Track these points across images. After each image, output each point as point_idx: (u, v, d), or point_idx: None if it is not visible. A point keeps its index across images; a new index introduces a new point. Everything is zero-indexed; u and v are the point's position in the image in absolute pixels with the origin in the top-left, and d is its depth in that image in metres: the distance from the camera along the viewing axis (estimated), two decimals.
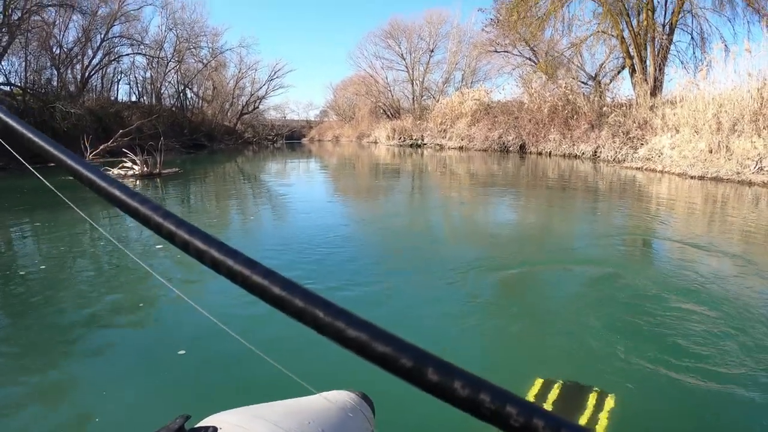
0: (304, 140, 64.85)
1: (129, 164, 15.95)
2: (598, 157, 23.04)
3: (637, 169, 18.77)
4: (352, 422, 1.16)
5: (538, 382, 3.18)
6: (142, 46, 38.81)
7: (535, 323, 4.58)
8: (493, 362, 3.89)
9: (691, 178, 15.89)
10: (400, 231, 8.66)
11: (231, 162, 25.68)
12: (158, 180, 15.47)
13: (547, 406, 2.84)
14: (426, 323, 4.54)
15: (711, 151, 16.94)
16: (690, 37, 26.88)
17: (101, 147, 22.07)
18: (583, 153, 24.09)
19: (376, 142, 46.84)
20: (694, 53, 26.91)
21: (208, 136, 39.32)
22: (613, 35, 27.21)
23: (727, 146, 16.48)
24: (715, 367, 3.54)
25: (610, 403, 2.97)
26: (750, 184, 14.33)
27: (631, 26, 25.98)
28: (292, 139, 62.75)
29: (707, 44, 25.92)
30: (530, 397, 2.97)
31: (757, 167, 14.91)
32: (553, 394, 3.03)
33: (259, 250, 6.74)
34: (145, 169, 15.73)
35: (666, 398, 3.21)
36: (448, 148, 34.80)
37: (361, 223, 9.55)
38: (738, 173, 15.11)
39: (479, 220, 10.23)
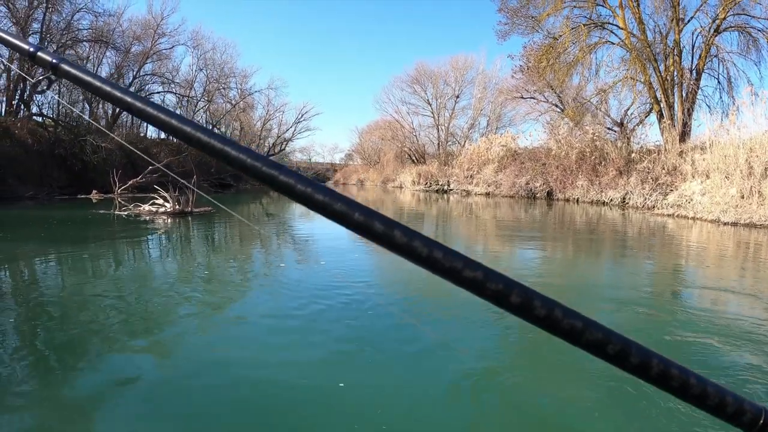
0: (329, 183, 65.23)
1: (160, 201, 15.95)
2: (627, 203, 22.84)
3: (668, 215, 18.54)
4: None
5: None
6: (173, 85, 39.83)
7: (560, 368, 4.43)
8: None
9: (724, 224, 15.66)
10: (425, 284, 8.33)
11: (257, 203, 25.91)
12: (189, 218, 15.43)
13: None
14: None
15: (743, 197, 16.70)
16: (717, 81, 26.87)
17: (130, 182, 22.39)
18: (611, 200, 23.90)
19: (401, 187, 46.99)
20: (721, 98, 26.85)
21: (235, 176, 39.72)
22: (640, 81, 27.23)
23: (759, 191, 16.23)
24: None
25: None
26: None
27: (659, 71, 26.00)
28: (317, 181, 63.39)
29: (734, 88, 25.94)
30: None
31: None
32: None
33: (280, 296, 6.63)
34: (177, 207, 15.66)
35: None
36: (475, 194, 34.73)
37: (380, 275, 9.16)
38: None
39: (507, 268, 10.02)
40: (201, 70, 42.18)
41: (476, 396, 3.88)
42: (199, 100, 42.23)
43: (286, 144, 54.16)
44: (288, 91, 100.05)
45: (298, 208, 22.97)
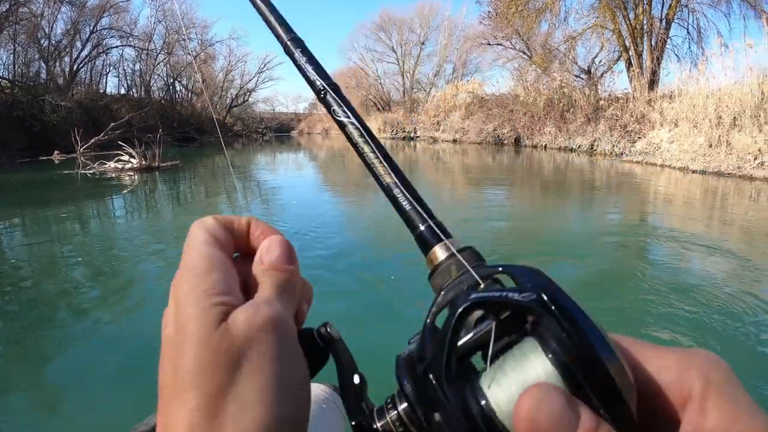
0: (293, 133, 64.39)
1: (126, 157, 15.41)
2: (595, 150, 22.89)
3: (637, 162, 18.60)
4: (327, 414, 1.19)
5: None
6: (131, 38, 38.41)
7: None
8: None
9: (693, 172, 15.76)
10: (389, 230, 8.27)
11: (221, 155, 25.30)
12: (157, 173, 14.95)
13: None
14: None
15: (711, 146, 16.81)
16: (686, 31, 27.02)
17: (92, 140, 21.63)
18: (579, 146, 23.92)
19: None
20: (690, 48, 27.07)
21: (198, 129, 38.82)
22: (609, 28, 27.10)
23: (727, 141, 16.35)
24: None
25: None
26: (752, 178, 14.22)
27: (628, 20, 25.82)
28: (281, 132, 62.31)
29: (704, 39, 26.14)
30: None
31: (758, 162, 14.80)
32: None
33: None
34: (144, 162, 15.18)
35: None
36: (442, 141, 34.56)
37: (350, 220, 9.22)
38: (739, 168, 14.99)
39: (474, 215, 9.91)
40: (160, 21, 40.65)
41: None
42: (159, 53, 40.82)
43: (249, 95, 53.02)
44: (250, 40, 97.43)
45: (262, 159, 22.66)
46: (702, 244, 7.21)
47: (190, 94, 45.61)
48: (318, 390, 1.25)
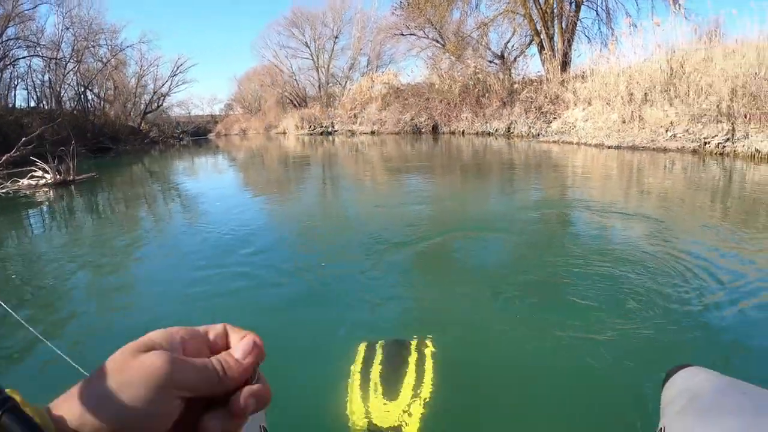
0: (211, 135, 62.33)
1: (39, 173, 14.12)
2: (512, 133, 22.93)
3: (553, 142, 18.64)
4: None
5: (362, 346, 3.13)
6: (39, 48, 36.15)
7: (428, 287, 4.66)
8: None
9: (608, 147, 15.89)
10: (315, 219, 8.07)
11: (139, 164, 23.99)
12: (73, 187, 13.72)
13: (376, 366, 2.84)
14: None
15: (624, 122, 16.97)
16: (595, 13, 27.33)
17: (4, 158, 20.00)
18: (496, 130, 23.92)
19: (284, 133, 45.51)
20: (600, 29, 27.66)
21: (113, 138, 36.68)
22: (520, 14, 27.28)
23: (640, 116, 16.52)
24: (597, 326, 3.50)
25: (430, 347, 3.12)
26: (665, 150, 14.41)
27: (539, 4, 26.02)
28: (198, 135, 60.19)
29: (613, 20, 26.56)
30: (358, 361, 2.95)
31: (670, 134, 14.95)
32: (378, 353, 3.01)
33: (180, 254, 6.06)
34: (58, 176, 13.92)
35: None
36: (360, 133, 34.05)
37: (275, 216, 8.77)
38: (653, 141, 15.15)
39: (395, 202, 9.51)
40: (68, 28, 38.29)
41: None
42: (68, 62, 38.56)
43: (163, 99, 50.77)
44: (161, 43, 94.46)
45: (181, 165, 21.69)
46: (620, 211, 7.31)
47: (102, 103, 43.39)
48: None
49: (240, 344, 0.55)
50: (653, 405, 1.36)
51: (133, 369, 0.48)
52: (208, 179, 15.38)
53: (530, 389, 2.92)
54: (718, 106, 13.85)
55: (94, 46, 40.12)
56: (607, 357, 3.08)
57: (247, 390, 0.53)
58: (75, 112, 38.56)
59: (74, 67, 39.02)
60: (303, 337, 3.61)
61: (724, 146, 13.33)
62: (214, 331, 0.57)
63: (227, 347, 0.56)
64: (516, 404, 2.81)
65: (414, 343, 3.17)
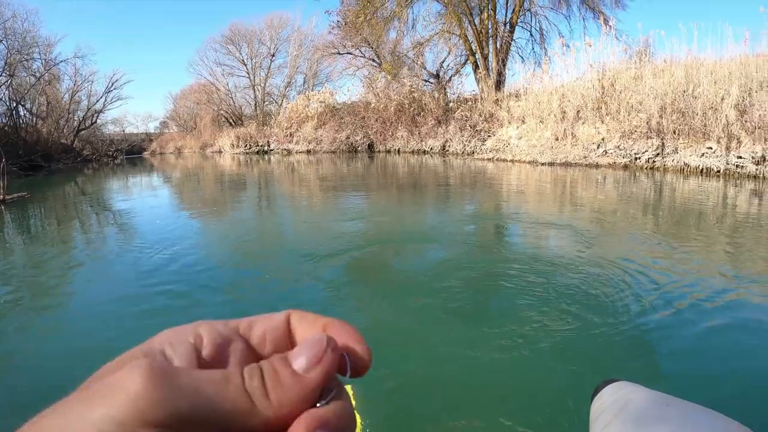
0: (145, 154, 60.76)
1: None
2: (447, 150, 23.02)
3: (488, 159, 18.70)
4: None
5: None
6: None
7: (359, 297, 4.66)
8: None
9: (542, 164, 15.94)
10: (249, 241, 7.71)
11: (72, 183, 22.95)
12: (3, 207, 12.72)
13: None
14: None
15: (557, 139, 17.09)
16: (530, 33, 28.05)
17: None
18: (431, 148, 23.97)
19: (220, 152, 44.67)
20: (533, 49, 28.20)
21: (45, 156, 35.07)
22: (456, 34, 27.51)
23: (572, 133, 16.65)
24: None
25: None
26: (597, 166, 14.52)
27: (474, 24, 26.35)
28: (132, 153, 58.53)
29: (546, 40, 27.18)
30: None
31: (602, 150, 15.08)
32: None
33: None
34: None
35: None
36: (296, 152, 33.59)
37: (211, 238, 8.33)
38: (585, 157, 15.27)
39: (330, 218, 9.25)
40: (0, 41, 36.86)
41: None
42: (0, 75, 36.95)
43: (97, 116, 49.14)
44: (96, 58, 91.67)
45: (116, 184, 20.85)
46: (554, 223, 7.51)
47: (35, 119, 41.64)
48: None
49: (305, 343, 0.32)
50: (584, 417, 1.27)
51: (89, 398, 0.28)
52: (143, 199, 14.70)
53: (456, 398, 2.81)
54: (648, 122, 14.02)
55: (27, 60, 38.62)
56: (538, 368, 3.03)
57: (307, 418, 0.30)
58: (6, 128, 36.86)
59: (6, 81, 37.43)
60: None
61: (654, 161, 13.47)
62: (265, 323, 0.35)
63: (291, 347, 0.34)
64: (442, 414, 2.67)
65: None
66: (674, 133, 13.39)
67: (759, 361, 3.22)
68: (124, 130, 65.23)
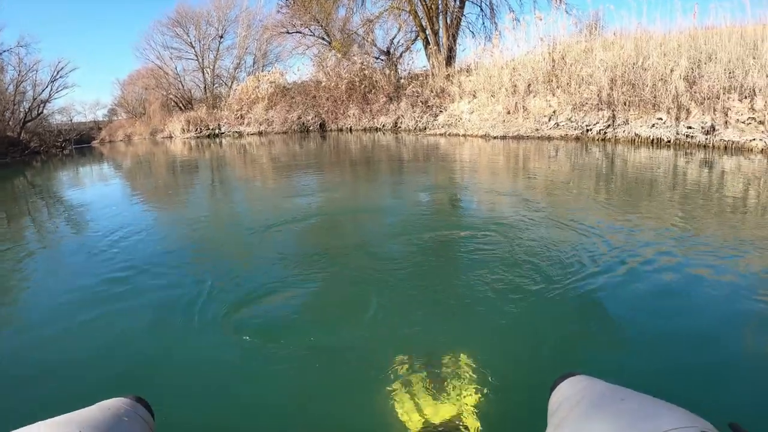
0: (95, 143, 59.10)
1: None
2: (399, 127, 22.89)
3: (440, 135, 18.59)
4: (127, 427, 1.16)
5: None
6: None
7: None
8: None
9: (494, 138, 15.86)
10: (202, 223, 7.44)
11: (21, 177, 21.99)
12: None
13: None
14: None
15: (509, 112, 17.01)
16: (479, 8, 27.67)
17: None
18: (383, 125, 23.79)
19: (171, 137, 43.69)
20: (484, 24, 28.06)
21: None
22: (406, 10, 27.17)
23: (524, 107, 16.58)
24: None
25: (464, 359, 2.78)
26: (549, 138, 14.50)
27: (424, 1, 26.00)
28: (81, 143, 56.75)
29: (497, 15, 26.93)
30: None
31: (553, 123, 15.04)
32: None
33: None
34: None
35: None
36: (248, 134, 33.00)
37: (163, 223, 7.98)
38: (537, 130, 15.23)
39: (285, 199, 9.01)
40: None
41: None
42: None
43: (44, 106, 47.44)
44: (42, 46, 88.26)
45: (65, 176, 20.06)
46: (507, 195, 7.56)
47: None
48: (119, 403, 1.22)
49: None
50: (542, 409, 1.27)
51: None
52: (94, 188, 14.16)
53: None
54: (598, 94, 13.99)
55: None
56: (495, 355, 2.91)
57: None
58: None
59: None
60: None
61: (606, 132, 13.46)
62: None
63: None
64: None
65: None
66: (625, 104, 13.38)
67: (702, 317, 3.31)
68: (72, 120, 63.26)
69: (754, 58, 11.05)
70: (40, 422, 1.08)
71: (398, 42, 30.25)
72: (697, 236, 4.92)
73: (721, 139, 11.10)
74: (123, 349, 3.36)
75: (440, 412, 2.32)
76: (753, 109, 10.74)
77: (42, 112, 47.84)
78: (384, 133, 22.53)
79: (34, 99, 45.98)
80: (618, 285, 3.77)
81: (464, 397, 2.42)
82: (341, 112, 26.61)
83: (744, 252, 4.35)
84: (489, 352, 2.84)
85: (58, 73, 46.53)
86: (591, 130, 13.83)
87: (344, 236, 5.78)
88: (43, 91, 46.13)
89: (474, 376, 2.59)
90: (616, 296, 3.60)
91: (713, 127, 11.34)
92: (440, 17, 26.03)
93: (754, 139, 10.46)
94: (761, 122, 10.54)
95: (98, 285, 4.60)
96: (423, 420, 2.26)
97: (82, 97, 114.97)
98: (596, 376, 1.24)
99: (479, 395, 2.43)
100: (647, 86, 12.83)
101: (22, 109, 44.52)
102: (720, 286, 3.69)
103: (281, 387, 2.72)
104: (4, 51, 40.86)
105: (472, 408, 2.33)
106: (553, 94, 15.87)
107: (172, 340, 3.42)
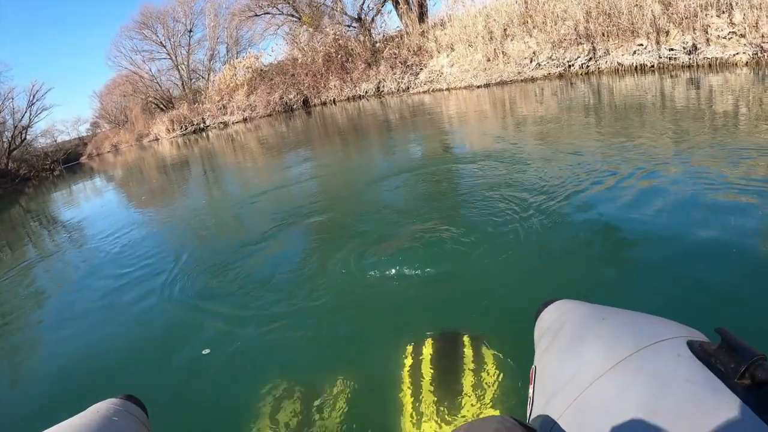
0: (83, 159, 58.66)
1: None
2: (382, 91, 22.74)
3: (424, 92, 18.56)
4: (119, 426, 1.19)
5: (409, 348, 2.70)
6: None
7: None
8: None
9: (478, 87, 15.82)
10: (200, 221, 7.39)
11: (16, 205, 21.93)
12: None
13: (425, 364, 2.49)
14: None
15: (489, 60, 16.90)
16: None
17: None
18: (366, 92, 23.62)
19: (157, 139, 43.46)
20: None
21: None
22: None
23: (503, 52, 16.47)
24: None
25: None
26: (533, 80, 14.46)
27: None
28: (69, 161, 56.36)
29: None
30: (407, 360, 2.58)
31: (534, 64, 14.98)
32: (427, 350, 2.62)
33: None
34: None
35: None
36: (233, 123, 32.85)
37: (160, 223, 8.06)
38: (519, 73, 15.17)
39: (283, 179, 9.00)
40: None
41: None
42: None
43: (26, 132, 47.05)
44: (13, 74, 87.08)
45: (59, 197, 20.05)
46: (500, 138, 7.53)
47: None
48: (109, 405, 1.25)
49: None
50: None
51: None
52: (89, 204, 14.16)
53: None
54: (575, 29, 13.90)
55: None
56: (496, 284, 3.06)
57: None
58: None
59: None
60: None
61: (588, 66, 13.42)
62: None
63: None
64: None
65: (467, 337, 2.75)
66: (603, 35, 13.30)
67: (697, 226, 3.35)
68: (56, 140, 62.76)
69: None
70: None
71: (368, 7, 29.86)
72: (692, 150, 4.95)
73: (704, 57, 11.07)
74: (123, 349, 3.46)
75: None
76: (732, 23, 10.69)
77: (25, 139, 47.37)
78: (368, 100, 22.42)
79: (15, 127, 45.53)
80: (611, 202, 3.92)
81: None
82: (322, 85, 26.43)
83: (743, 158, 4.37)
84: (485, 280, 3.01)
85: (34, 96, 46.01)
86: (573, 65, 13.78)
87: (341, 201, 6.01)
88: (22, 117, 45.69)
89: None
90: (614, 215, 3.71)
91: (695, 46, 11.29)
92: None
93: (737, 53, 10.45)
94: (742, 35, 10.50)
95: (101, 299, 4.64)
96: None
97: (63, 116, 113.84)
98: (581, 298, 1.26)
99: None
100: (623, 14, 12.74)
101: (5, 139, 44.11)
102: (721, 198, 3.69)
103: (279, 381, 2.69)
104: None
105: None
106: (531, 35, 15.75)
107: (173, 341, 3.44)
